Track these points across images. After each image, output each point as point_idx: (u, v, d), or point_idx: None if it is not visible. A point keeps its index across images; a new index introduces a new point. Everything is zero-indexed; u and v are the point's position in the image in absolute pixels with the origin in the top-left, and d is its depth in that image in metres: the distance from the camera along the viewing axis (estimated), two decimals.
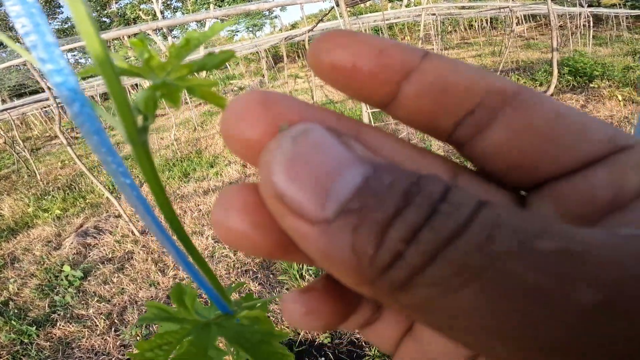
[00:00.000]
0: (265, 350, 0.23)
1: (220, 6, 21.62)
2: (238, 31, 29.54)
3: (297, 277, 2.48)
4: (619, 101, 4.48)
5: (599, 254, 0.08)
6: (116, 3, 24.66)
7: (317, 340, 2.03)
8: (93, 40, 0.13)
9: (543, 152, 0.12)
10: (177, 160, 5.78)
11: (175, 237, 0.19)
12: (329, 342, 2.00)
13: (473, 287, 0.08)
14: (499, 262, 0.08)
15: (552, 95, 4.65)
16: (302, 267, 2.54)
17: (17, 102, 7.82)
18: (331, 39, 0.13)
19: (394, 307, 0.10)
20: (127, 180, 0.15)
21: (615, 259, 0.08)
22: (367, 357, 1.86)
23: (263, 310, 0.30)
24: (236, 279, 2.67)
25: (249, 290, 2.49)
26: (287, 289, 2.41)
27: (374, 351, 1.87)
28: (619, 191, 0.11)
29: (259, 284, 2.60)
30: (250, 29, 28.19)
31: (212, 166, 5.30)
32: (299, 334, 2.08)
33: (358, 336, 2.00)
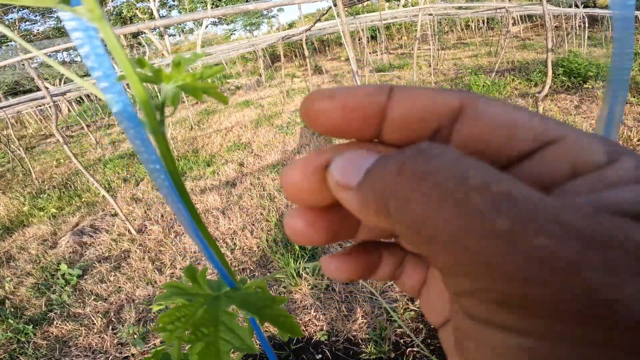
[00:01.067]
0: (270, 313, 0.26)
1: (217, 5, 21.53)
2: (235, 30, 29.46)
3: (294, 275, 2.49)
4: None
5: (522, 196, 0.11)
6: (112, 1, 24.52)
7: (314, 337, 2.05)
8: (123, 60, 0.16)
9: (484, 153, 0.15)
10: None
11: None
12: (325, 340, 2.02)
13: (447, 205, 0.11)
14: (467, 193, 0.11)
15: (546, 95, 4.69)
16: (299, 266, 2.56)
17: (12, 100, 7.78)
18: (316, 102, 0.17)
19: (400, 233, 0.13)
20: (156, 165, 0.17)
21: (526, 199, 0.11)
22: (363, 354, 1.88)
23: (263, 282, 0.33)
24: None
25: None
26: (284, 287, 2.43)
27: (370, 348, 1.89)
28: (547, 178, 0.14)
29: None
30: (248, 28, 28.12)
31: (208, 165, 5.30)
32: None
33: (355, 334, 2.02)
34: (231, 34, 30.38)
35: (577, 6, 9.46)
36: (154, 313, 2.52)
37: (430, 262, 0.13)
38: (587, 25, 9.07)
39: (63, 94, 7.74)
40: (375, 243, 0.20)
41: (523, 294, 0.10)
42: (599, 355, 0.10)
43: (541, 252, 0.10)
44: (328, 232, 0.18)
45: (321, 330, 2.08)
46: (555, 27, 11.94)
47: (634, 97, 4.63)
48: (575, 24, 10.28)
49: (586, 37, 9.13)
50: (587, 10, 10.09)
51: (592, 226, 0.10)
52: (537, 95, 4.68)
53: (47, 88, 3.12)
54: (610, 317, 0.10)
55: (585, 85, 5.50)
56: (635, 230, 0.10)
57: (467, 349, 0.13)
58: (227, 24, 27.82)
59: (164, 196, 0.19)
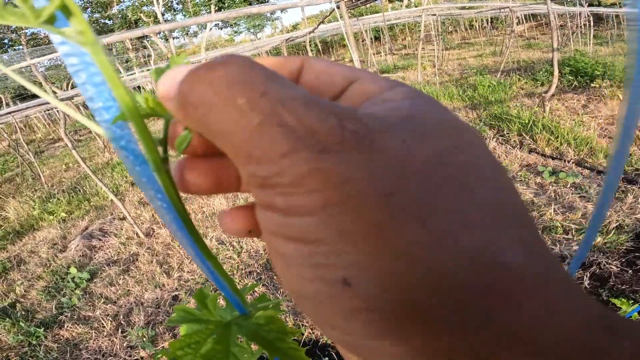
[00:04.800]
0: (281, 347, 0.26)
1: (221, 8, 21.63)
2: (239, 32, 29.58)
3: None
4: (620, 101, 4.49)
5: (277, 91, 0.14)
6: (117, 5, 24.72)
7: (321, 340, 2.06)
8: (121, 92, 0.16)
9: (319, 90, 0.20)
10: None
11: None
12: (332, 342, 2.02)
13: (217, 107, 0.14)
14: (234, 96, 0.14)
15: (553, 95, 4.66)
16: None
17: (20, 105, 7.87)
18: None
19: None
20: (164, 204, 0.18)
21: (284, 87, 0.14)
22: None
23: (276, 310, 0.33)
24: (240, 281, 2.70)
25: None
26: None
27: None
28: (355, 104, 0.18)
29: (263, 285, 2.62)
30: (252, 30, 28.21)
31: None
32: (303, 334, 2.11)
33: None
34: (236, 35, 30.49)
35: (581, 5, 9.38)
36: (162, 316, 2.54)
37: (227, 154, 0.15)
38: (592, 23, 8.99)
39: (71, 98, 7.81)
40: None
41: (273, 172, 0.13)
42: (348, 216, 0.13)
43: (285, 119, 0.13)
44: (209, 178, 0.20)
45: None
46: (560, 25, 11.83)
47: None
48: (580, 22, 10.20)
49: (592, 36, 9.05)
50: (592, 8, 10.01)
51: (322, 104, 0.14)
52: (543, 95, 4.65)
53: (55, 93, 3.16)
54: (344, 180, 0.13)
55: (592, 85, 5.46)
56: (367, 115, 0.15)
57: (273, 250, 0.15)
58: (231, 26, 27.94)
59: (171, 232, 0.20)
